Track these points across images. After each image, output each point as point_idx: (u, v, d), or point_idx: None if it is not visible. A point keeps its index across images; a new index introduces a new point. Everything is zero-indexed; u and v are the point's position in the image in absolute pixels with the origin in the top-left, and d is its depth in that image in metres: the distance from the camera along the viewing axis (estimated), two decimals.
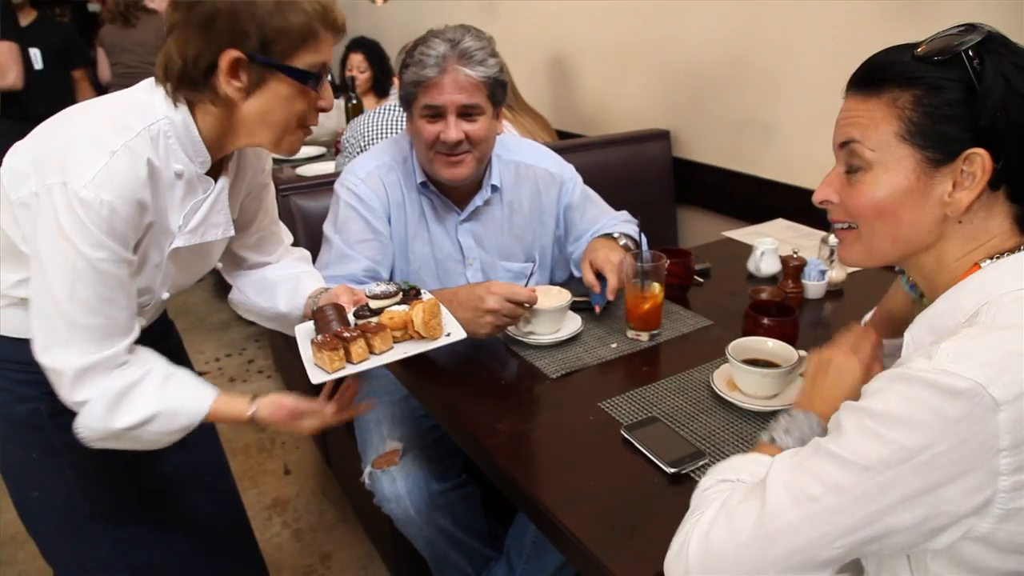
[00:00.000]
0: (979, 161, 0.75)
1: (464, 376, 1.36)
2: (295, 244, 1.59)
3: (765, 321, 1.29)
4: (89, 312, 1.00)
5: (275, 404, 1.14)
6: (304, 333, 1.20)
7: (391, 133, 2.26)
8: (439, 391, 1.30)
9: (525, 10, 3.22)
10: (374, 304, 1.21)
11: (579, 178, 1.77)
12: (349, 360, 1.11)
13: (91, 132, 1.00)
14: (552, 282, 1.80)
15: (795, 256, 1.57)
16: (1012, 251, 0.78)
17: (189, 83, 1.02)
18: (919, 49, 0.79)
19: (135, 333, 1.07)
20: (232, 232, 1.20)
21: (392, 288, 1.23)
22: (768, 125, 2.26)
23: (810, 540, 0.70)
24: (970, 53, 0.76)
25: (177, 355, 1.36)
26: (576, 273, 1.78)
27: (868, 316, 1.18)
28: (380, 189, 1.58)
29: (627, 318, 1.45)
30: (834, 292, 1.64)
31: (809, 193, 2.11)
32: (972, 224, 0.79)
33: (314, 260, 1.61)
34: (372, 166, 1.59)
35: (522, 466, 1.09)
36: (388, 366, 1.18)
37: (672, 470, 1.01)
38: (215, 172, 1.14)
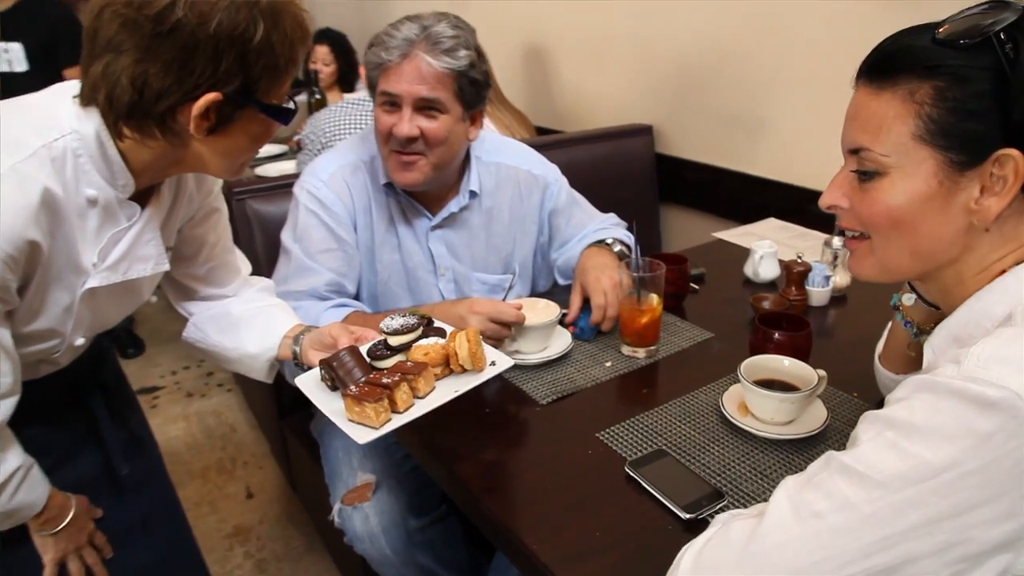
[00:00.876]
0: (1012, 163, 0.63)
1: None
2: (252, 258, 1.44)
3: (776, 336, 1.16)
4: None
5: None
6: (312, 384, 1.03)
7: (357, 129, 2.10)
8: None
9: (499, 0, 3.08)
10: (394, 341, 1.06)
11: (564, 180, 1.63)
12: (394, 410, 0.96)
13: None
14: (534, 293, 1.66)
15: (799, 261, 1.45)
16: None
17: (139, 118, 0.83)
18: (940, 31, 0.67)
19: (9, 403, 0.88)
20: (165, 267, 1.01)
21: (413, 320, 1.08)
22: (758, 120, 2.15)
23: (812, 562, 0.59)
24: (1002, 36, 0.63)
25: (112, 391, 1.20)
26: (561, 281, 1.65)
27: (880, 347, 1.07)
28: (345, 193, 1.42)
29: (622, 333, 1.32)
30: (837, 298, 1.53)
31: (802, 191, 2.06)
32: (1001, 232, 0.68)
33: (271, 272, 1.46)
34: (335, 167, 1.43)
35: (514, 514, 0.94)
36: None
37: (688, 516, 0.88)
38: (142, 197, 0.95)
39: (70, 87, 0.87)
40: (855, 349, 1.23)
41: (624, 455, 1.02)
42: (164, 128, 0.84)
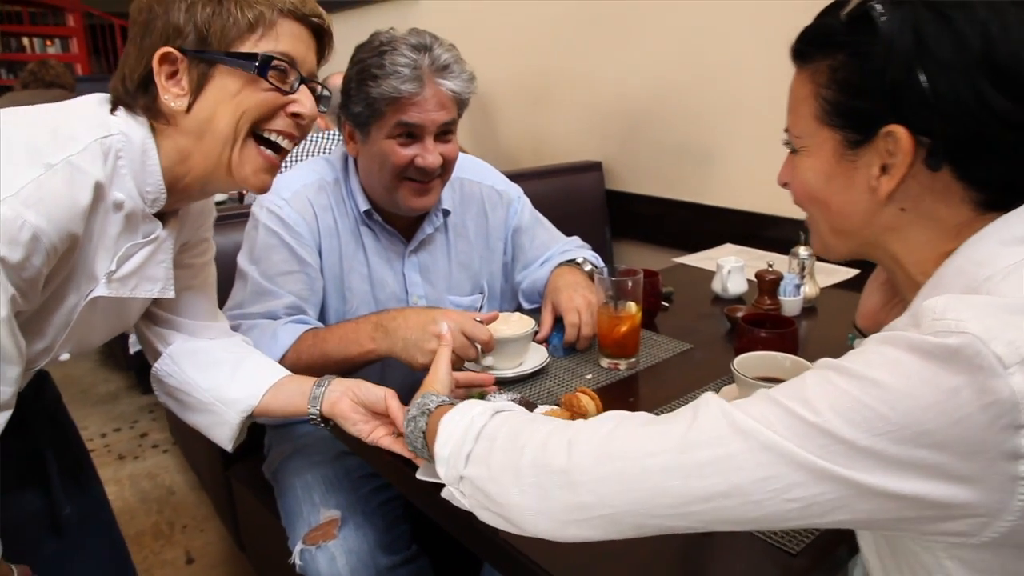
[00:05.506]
0: (897, 139, 0.61)
1: None
2: None
3: (763, 334, 1.13)
4: None
5: None
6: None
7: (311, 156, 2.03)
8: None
9: None
10: None
11: (527, 199, 1.60)
12: None
13: (24, 136, 0.78)
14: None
15: (770, 270, 1.44)
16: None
17: (128, 100, 0.86)
18: (845, 7, 0.65)
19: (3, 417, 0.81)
20: (171, 293, 0.97)
21: (518, 397, 1.05)
22: (706, 149, 2.19)
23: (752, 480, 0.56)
24: (876, 5, 0.61)
25: (53, 414, 1.08)
26: (526, 305, 1.60)
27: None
28: (308, 212, 1.35)
29: (600, 344, 1.27)
30: (808, 309, 1.53)
31: (755, 216, 2.08)
32: (921, 212, 0.65)
33: (223, 302, 1.35)
34: (299, 185, 1.36)
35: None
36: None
37: None
38: (161, 219, 0.93)
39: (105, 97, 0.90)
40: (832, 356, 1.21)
41: None
42: (154, 109, 0.85)
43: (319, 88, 0.94)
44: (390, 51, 1.25)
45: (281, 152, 0.93)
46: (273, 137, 0.91)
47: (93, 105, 0.87)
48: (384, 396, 1.00)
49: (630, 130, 2.42)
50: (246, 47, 0.85)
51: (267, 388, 1.05)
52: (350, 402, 1.02)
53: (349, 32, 1.34)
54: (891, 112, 0.61)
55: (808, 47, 0.68)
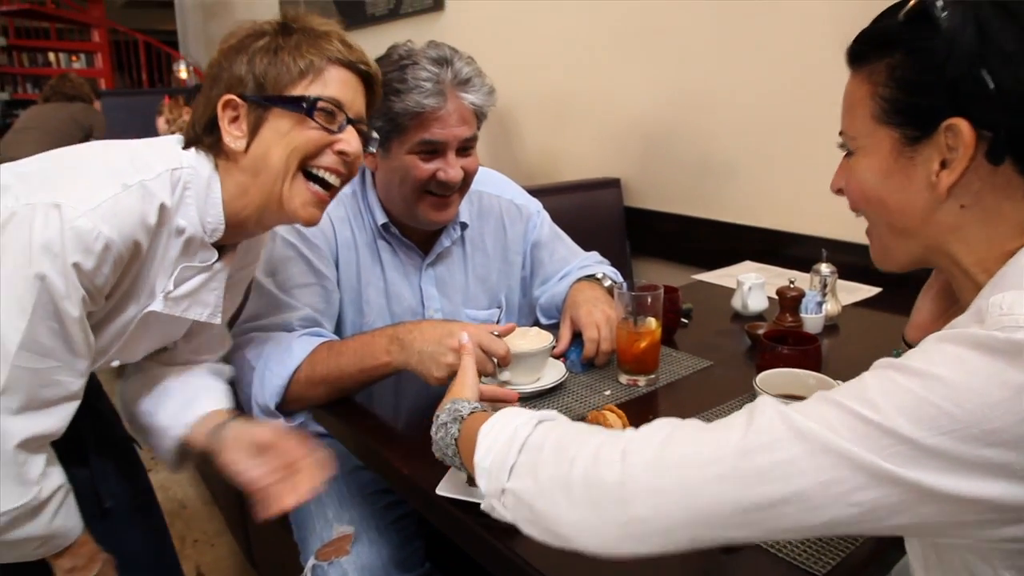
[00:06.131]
0: (958, 133, 0.61)
1: (430, 439, 1.11)
2: None
3: (786, 351, 1.11)
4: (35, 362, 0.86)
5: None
6: (462, 490, 0.91)
7: None
8: (396, 459, 1.04)
9: None
10: None
11: (546, 213, 1.60)
12: None
13: (107, 161, 0.91)
14: None
15: (792, 287, 1.42)
16: None
17: (197, 141, 0.98)
18: (904, 7, 0.66)
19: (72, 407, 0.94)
20: (218, 320, 1.06)
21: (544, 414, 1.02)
22: (725, 168, 2.18)
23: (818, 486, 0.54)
24: (939, 3, 0.62)
25: (93, 403, 1.11)
26: (543, 320, 1.58)
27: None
28: (326, 225, 1.35)
29: (619, 360, 1.25)
30: (829, 327, 1.50)
31: (776, 234, 2.06)
32: (983, 208, 0.64)
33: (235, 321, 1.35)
34: None
35: (537, 550, 0.84)
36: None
37: (725, 555, 0.79)
38: (220, 251, 1.03)
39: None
40: (855, 375, 1.18)
41: None
42: (217, 148, 0.97)
43: (366, 129, 1.04)
44: (411, 65, 1.25)
45: (331, 189, 1.02)
46: (321, 173, 0.99)
47: (170, 143, 0.99)
48: (274, 442, 1.04)
49: (649, 147, 2.41)
50: (297, 91, 0.95)
51: (196, 421, 1.09)
52: (240, 451, 1.04)
53: (370, 49, 1.34)
54: (952, 107, 0.61)
55: (865, 47, 0.69)
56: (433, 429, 0.86)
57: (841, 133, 0.73)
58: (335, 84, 0.97)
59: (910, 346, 0.82)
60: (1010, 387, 0.50)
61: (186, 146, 0.98)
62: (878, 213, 0.72)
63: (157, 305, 0.97)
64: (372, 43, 1.36)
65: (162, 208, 0.91)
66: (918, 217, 0.67)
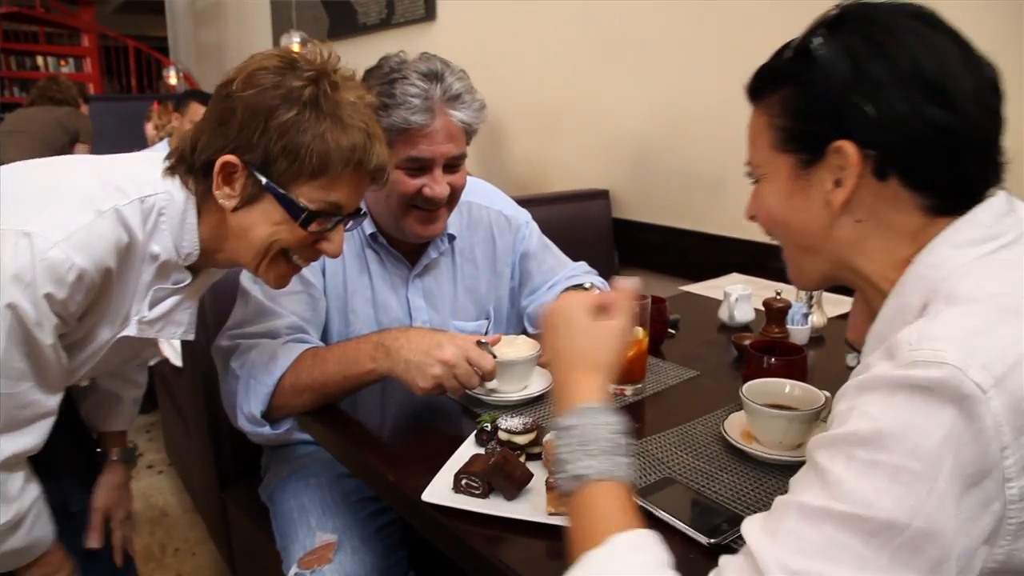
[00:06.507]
0: (845, 153, 0.66)
1: (415, 446, 1.11)
2: (200, 300, 1.36)
3: (772, 361, 1.11)
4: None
5: None
6: (448, 497, 0.91)
7: None
8: (381, 466, 1.03)
9: None
10: (522, 439, 1.01)
11: (535, 224, 1.60)
12: None
13: (76, 185, 0.89)
14: None
15: (778, 298, 1.43)
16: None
17: (187, 170, 0.95)
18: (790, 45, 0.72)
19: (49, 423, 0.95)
20: (192, 336, 1.06)
21: (529, 421, 1.04)
22: (713, 180, 2.19)
23: None
24: (815, 39, 0.68)
25: (66, 413, 1.09)
26: (531, 330, 1.58)
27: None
28: None
29: None
30: (815, 338, 1.51)
31: (759, 246, 2.07)
32: (876, 221, 0.69)
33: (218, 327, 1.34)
34: None
35: (526, 559, 0.83)
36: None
37: (712, 541, 0.79)
38: (192, 271, 1.02)
39: (163, 154, 0.98)
40: (840, 385, 1.19)
41: None
42: (206, 193, 0.94)
43: (360, 214, 1.04)
44: (400, 79, 1.24)
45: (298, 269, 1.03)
46: (297, 261, 1.00)
47: (146, 163, 0.96)
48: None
49: (637, 159, 2.43)
50: (301, 191, 0.92)
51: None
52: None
53: (361, 59, 1.34)
54: (837, 130, 0.67)
55: (760, 83, 0.76)
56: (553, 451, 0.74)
57: (748, 164, 0.79)
58: (344, 189, 0.95)
59: (851, 346, 0.84)
60: (942, 423, 0.52)
61: (172, 168, 0.95)
62: (785, 234, 0.77)
63: (131, 330, 0.96)
64: (363, 52, 1.36)
65: (134, 236, 0.90)
66: (819, 234, 0.72)
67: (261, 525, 1.48)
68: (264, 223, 0.94)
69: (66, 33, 7.70)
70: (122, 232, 0.88)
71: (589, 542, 0.63)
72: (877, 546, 0.52)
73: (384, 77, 1.26)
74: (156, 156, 0.98)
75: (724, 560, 0.60)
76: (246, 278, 1.34)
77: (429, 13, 3.22)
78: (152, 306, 0.97)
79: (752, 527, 0.59)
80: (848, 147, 0.66)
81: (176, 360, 2.26)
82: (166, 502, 2.53)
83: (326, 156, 0.90)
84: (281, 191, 0.92)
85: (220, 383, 1.28)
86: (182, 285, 1.00)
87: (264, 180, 0.91)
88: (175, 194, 0.94)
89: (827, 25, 0.69)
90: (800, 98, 0.70)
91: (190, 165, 0.94)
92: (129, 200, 0.89)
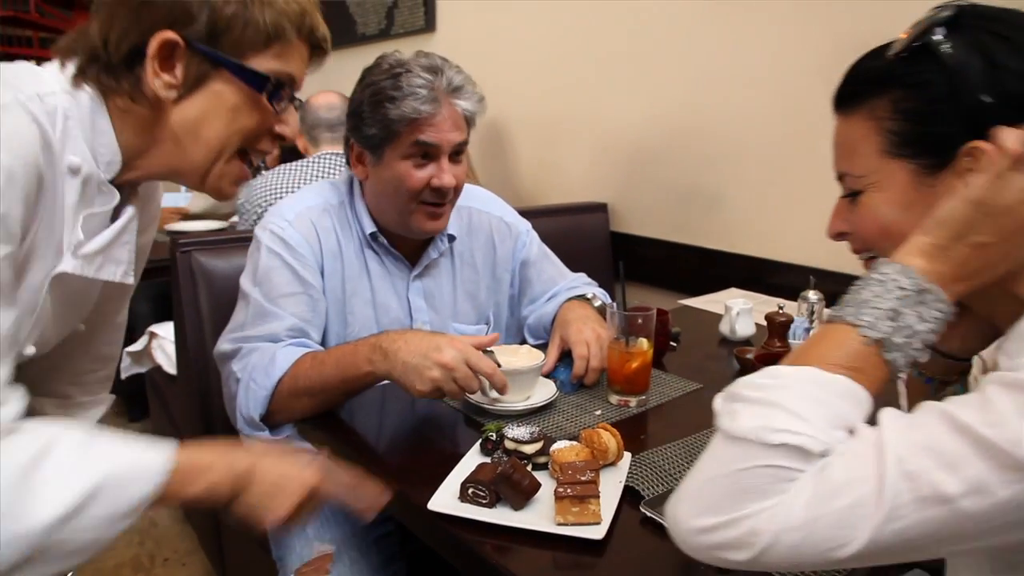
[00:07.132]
0: (982, 153, 0.63)
1: (417, 455, 1.10)
2: (196, 315, 1.32)
3: None
4: None
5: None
6: (454, 506, 0.91)
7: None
8: (384, 476, 1.01)
9: None
10: (529, 449, 1.00)
11: (535, 233, 1.60)
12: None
13: None
14: None
15: (780, 312, 1.43)
16: None
17: (103, 69, 0.78)
18: (892, 46, 0.69)
19: (19, 400, 0.74)
20: (131, 280, 0.89)
21: (536, 430, 1.03)
22: (713, 195, 2.20)
23: (921, 544, 0.56)
24: (936, 37, 0.65)
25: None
26: (531, 341, 1.57)
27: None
28: (311, 234, 1.33)
29: (609, 381, 1.24)
30: None
31: (761, 262, 2.08)
32: None
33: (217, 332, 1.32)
34: (302, 207, 1.35)
35: (526, 568, 0.82)
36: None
37: None
38: (122, 195, 0.85)
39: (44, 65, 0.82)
40: None
41: (634, 496, 0.92)
42: (131, 83, 0.78)
43: (297, 103, 0.91)
44: (405, 73, 1.26)
45: (252, 165, 0.90)
46: (252, 155, 0.88)
47: (38, 68, 0.81)
48: None
49: (637, 173, 2.43)
50: (259, 62, 0.81)
51: None
52: None
53: (358, 69, 1.35)
54: (969, 130, 0.63)
55: (859, 87, 0.71)
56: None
57: (842, 177, 0.74)
58: (296, 61, 0.85)
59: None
60: None
61: (81, 73, 0.79)
62: (897, 244, 0.70)
63: (67, 264, 0.80)
64: (362, 62, 1.37)
65: (47, 133, 0.74)
66: None
67: (255, 535, 1.46)
68: (219, 112, 0.82)
69: (59, 37, 7.66)
70: (34, 126, 0.73)
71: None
72: (1007, 481, 0.52)
73: (388, 72, 1.28)
74: (46, 64, 0.83)
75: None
76: (246, 280, 1.33)
77: (429, 24, 3.23)
78: (89, 237, 0.81)
79: (891, 412, 0.60)
80: (987, 145, 0.62)
81: (170, 368, 2.23)
82: (155, 512, 2.49)
83: (279, 18, 0.80)
84: (237, 62, 0.80)
85: (222, 386, 1.27)
86: (111, 206, 0.84)
87: (215, 54, 0.79)
88: (78, 96, 0.79)
89: (944, 24, 0.66)
90: (918, 99, 0.66)
91: (106, 63, 0.78)
92: (27, 96, 0.74)
